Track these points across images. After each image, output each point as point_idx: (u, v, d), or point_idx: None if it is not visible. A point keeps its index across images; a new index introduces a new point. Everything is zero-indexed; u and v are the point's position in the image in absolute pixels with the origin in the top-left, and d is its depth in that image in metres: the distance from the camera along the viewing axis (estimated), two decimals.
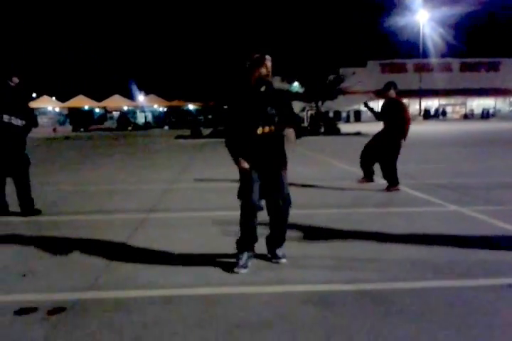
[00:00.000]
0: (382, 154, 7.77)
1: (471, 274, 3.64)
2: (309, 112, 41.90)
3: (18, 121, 6.04)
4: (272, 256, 4.09)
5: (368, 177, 8.28)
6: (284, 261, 4.02)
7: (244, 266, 3.85)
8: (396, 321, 2.85)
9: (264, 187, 3.87)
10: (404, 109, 7.66)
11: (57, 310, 3.09)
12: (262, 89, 3.83)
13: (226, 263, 3.98)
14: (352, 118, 54.84)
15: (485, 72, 60.64)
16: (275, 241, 4.08)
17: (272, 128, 3.80)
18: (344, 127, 30.95)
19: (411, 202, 6.74)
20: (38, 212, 6.19)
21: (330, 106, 35.83)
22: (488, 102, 60.57)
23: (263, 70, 3.80)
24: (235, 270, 3.80)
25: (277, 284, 3.52)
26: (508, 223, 5.16)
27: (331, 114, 41.98)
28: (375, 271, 3.75)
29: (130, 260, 4.15)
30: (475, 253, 4.16)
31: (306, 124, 35.81)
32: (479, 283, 3.45)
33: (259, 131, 3.77)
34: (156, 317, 2.97)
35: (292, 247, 4.36)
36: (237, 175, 3.94)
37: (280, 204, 3.90)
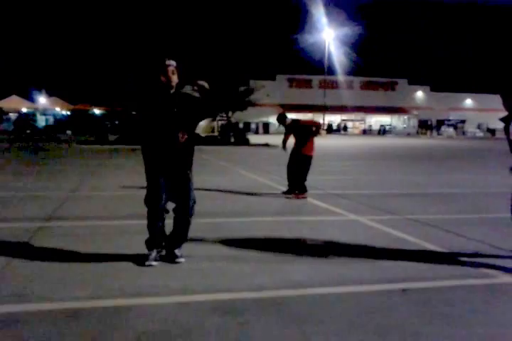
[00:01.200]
0: (297, 166, 8.23)
1: (368, 280, 3.87)
2: (220, 122, 42.20)
3: None
4: (170, 256, 4.22)
5: (302, 190, 8.17)
6: (182, 260, 4.19)
7: (154, 259, 4.09)
8: (292, 327, 2.94)
9: (172, 189, 4.08)
10: (308, 122, 8.68)
11: None
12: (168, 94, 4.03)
13: (128, 272, 3.87)
14: (261, 129, 56.13)
15: (383, 90, 65.37)
16: (176, 241, 4.25)
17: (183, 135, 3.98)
18: (253, 138, 31.55)
19: (314, 211, 7.04)
20: None
21: (240, 117, 36.37)
22: (385, 119, 65.28)
23: (163, 78, 3.99)
24: (146, 263, 4.02)
25: (182, 294, 3.48)
26: (400, 230, 5.57)
27: (240, 125, 42.57)
28: (278, 278, 3.85)
29: (24, 271, 3.87)
30: (371, 260, 4.43)
31: (216, 134, 36.01)
32: (375, 288, 3.67)
33: (180, 137, 3.94)
34: (51, 333, 2.79)
35: (197, 256, 4.34)
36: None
37: (189, 204, 4.13)
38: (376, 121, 64.83)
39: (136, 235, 4.90)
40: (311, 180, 8.34)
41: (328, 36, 49.30)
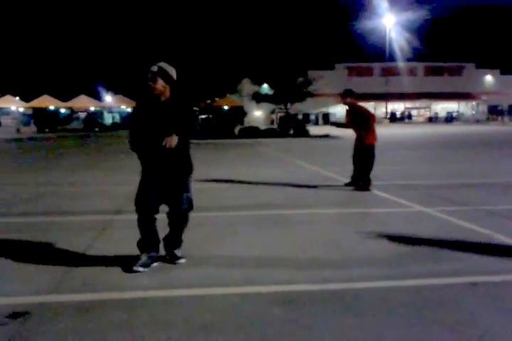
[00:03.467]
0: (361, 158, 7.89)
1: (436, 273, 3.73)
2: (279, 114, 42.15)
3: None
4: (170, 257, 4.09)
5: (366, 182, 7.86)
6: (183, 261, 4.05)
7: (143, 265, 3.84)
8: (361, 320, 2.89)
9: (166, 191, 3.91)
10: (365, 111, 7.96)
11: (18, 314, 2.99)
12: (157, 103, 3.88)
13: (192, 265, 3.97)
14: (320, 120, 55.47)
15: (449, 76, 62.44)
16: (174, 242, 4.09)
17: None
18: (313, 129, 31.24)
19: (378, 202, 6.87)
20: None
21: (299, 108, 36.16)
22: (451, 106, 62.38)
23: (156, 87, 3.84)
24: (134, 268, 3.80)
25: (245, 285, 3.52)
26: (471, 222, 5.31)
27: (300, 116, 42.36)
28: (341, 271, 3.80)
29: (93, 263, 4.07)
30: (440, 253, 4.26)
31: (275, 126, 36.01)
32: (445, 281, 3.53)
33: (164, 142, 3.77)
34: (120, 321, 2.92)
35: (259, 246, 4.37)
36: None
37: (181, 208, 3.96)
38: (442, 108, 62.12)
39: (199, 227, 5.01)
40: (376, 170, 8.13)
41: (389, 21, 47.74)
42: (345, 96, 7.96)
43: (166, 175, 3.89)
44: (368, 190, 7.70)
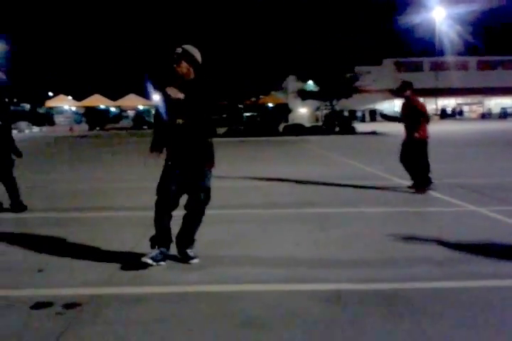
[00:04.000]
0: (411, 155, 7.41)
1: (485, 274, 3.59)
2: (324, 111, 41.73)
3: None
4: (182, 257, 4.03)
5: (422, 184, 7.37)
6: (196, 261, 3.97)
7: (152, 258, 3.81)
8: (411, 320, 2.82)
9: (186, 183, 3.87)
10: (421, 107, 7.56)
11: (72, 305, 3.12)
12: (181, 96, 3.78)
13: (237, 261, 4.00)
14: (367, 117, 54.46)
15: (503, 70, 59.73)
16: (185, 240, 4.02)
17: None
18: (359, 126, 30.75)
19: (429, 201, 6.68)
20: (25, 208, 6.37)
21: (345, 105, 35.64)
22: (506, 101, 59.62)
23: (178, 69, 3.79)
24: (142, 259, 3.79)
25: (288, 282, 3.51)
26: None
27: (345, 113, 41.77)
28: (391, 270, 3.72)
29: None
30: (491, 254, 4.10)
31: (320, 123, 35.71)
32: (498, 283, 3.40)
33: (179, 121, 3.74)
34: (169, 313, 2.99)
35: (304, 243, 4.35)
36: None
37: (200, 199, 3.89)
38: (496, 103, 59.48)
39: (242, 223, 5.04)
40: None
41: (439, 15, 46.22)
42: (403, 88, 7.56)
43: (186, 165, 3.86)
44: (425, 191, 7.19)
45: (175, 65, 3.83)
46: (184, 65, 3.83)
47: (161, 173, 3.94)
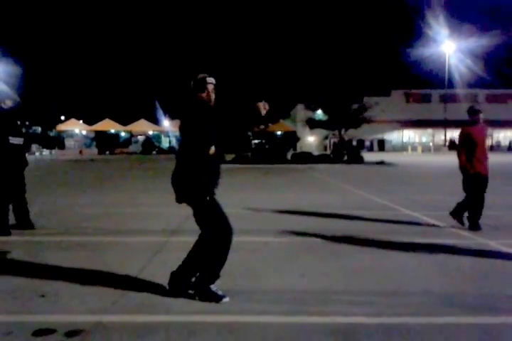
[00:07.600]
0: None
1: (500, 310, 3.48)
2: (332, 140, 41.92)
3: (19, 140, 6.45)
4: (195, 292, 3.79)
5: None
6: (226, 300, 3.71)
7: (223, 295, 3.70)
8: None
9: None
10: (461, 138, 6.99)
11: (75, 332, 3.05)
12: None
13: (243, 291, 3.92)
14: (375, 147, 54.61)
15: None
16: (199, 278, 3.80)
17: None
18: (367, 156, 30.75)
19: (439, 233, 6.57)
20: (31, 227, 6.52)
21: (353, 134, 35.81)
22: None
23: (205, 95, 3.74)
24: (223, 300, 3.64)
25: (299, 315, 3.42)
26: None
27: (354, 143, 41.90)
28: (400, 305, 3.62)
29: (149, 284, 4.10)
30: (503, 290, 3.99)
31: (329, 152, 35.82)
32: (505, 320, 3.30)
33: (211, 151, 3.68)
34: None
35: (313, 273, 4.27)
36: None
37: (204, 236, 3.79)
38: (505, 136, 59.54)
39: (251, 252, 4.96)
40: (429, 199, 7.80)
41: (449, 48, 46.85)
42: (473, 114, 6.94)
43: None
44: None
45: (210, 93, 3.77)
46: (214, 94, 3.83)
47: (208, 211, 3.70)
